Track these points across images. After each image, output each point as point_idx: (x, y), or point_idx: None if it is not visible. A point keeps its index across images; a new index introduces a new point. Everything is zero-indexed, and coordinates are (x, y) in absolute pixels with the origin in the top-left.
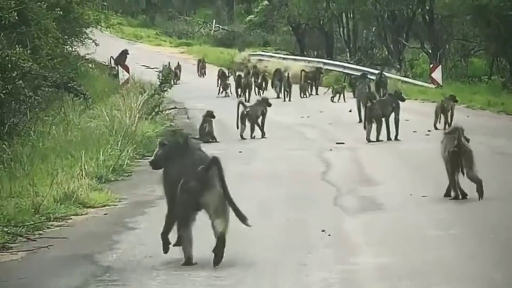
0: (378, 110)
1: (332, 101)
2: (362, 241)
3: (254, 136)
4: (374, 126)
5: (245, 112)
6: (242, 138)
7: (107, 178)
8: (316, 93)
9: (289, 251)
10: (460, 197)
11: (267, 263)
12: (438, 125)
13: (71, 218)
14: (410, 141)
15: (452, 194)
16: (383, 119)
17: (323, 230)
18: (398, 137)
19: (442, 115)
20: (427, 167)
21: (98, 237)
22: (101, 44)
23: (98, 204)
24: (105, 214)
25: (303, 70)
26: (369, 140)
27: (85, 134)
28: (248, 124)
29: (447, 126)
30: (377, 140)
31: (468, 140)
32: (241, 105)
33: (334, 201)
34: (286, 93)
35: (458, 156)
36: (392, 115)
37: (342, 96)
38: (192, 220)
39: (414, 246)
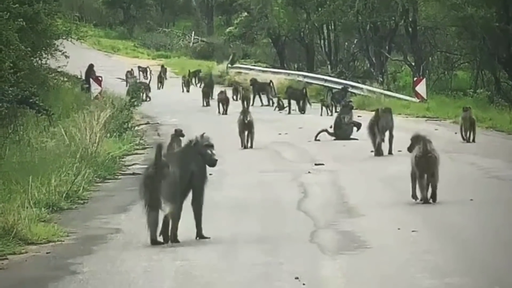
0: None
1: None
2: None
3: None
4: None
5: (245, 121)
6: (244, 147)
7: (59, 207)
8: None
9: None
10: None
11: None
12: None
13: (7, 258)
14: (395, 161)
15: (418, 196)
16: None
17: (297, 278)
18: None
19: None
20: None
21: (32, 286)
22: (77, 57)
23: (41, 240)
24: (47, 252)
25: (252, 78)
26: None
27: (41, 156)
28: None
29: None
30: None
31: (431, 146)
32: (241, 115)
33: (311, 237)
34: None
35: (424, 162)
36: None
37: (329, 109)
38: None
39: None
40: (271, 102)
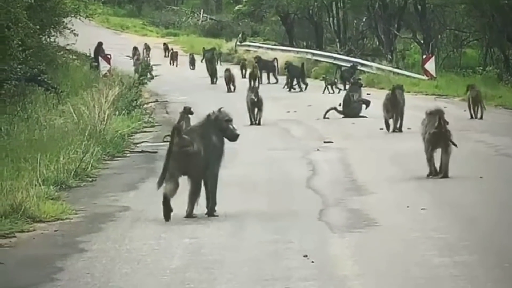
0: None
1: (323, 93)
2: (350, 270)
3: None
4: None
5: (255, 99)
6: (252, 123)
7: (68, 184)
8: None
9: (262, 285)
10: (432, 174)
11: None
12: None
13: (15, 236)
14: (404, 139)
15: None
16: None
17: (306, 256)
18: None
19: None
20: (425, 171)
21: (40, 263)
22: (86, 35)
23: (50, 218)
24: (55, 230)
25: (257, 56)
26: None
27: (49, 133)
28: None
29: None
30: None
31: (447, 123)
32: (250, 93)
33: (320, 215)
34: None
35: (437, 137)
36: None
37: (333, 88)
38: None
39: (415, 278)
40: (275, 79)
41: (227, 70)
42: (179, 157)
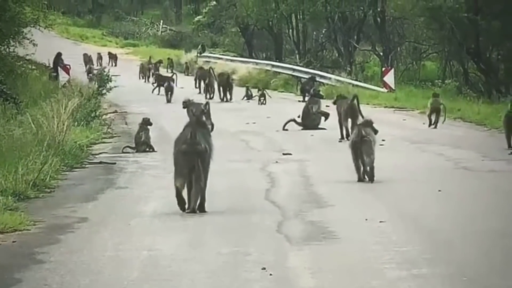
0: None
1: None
2: (309, 283)
3: None
4: None
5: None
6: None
7: (26, 195)
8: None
9: None
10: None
11: None
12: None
13: None
14: None
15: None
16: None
17: (264, 268)
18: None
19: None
20: (384, 184)
21: None
22: (45, 45)
23: (8, 229)
24: (13, 241)
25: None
26: None
27: (8, 144)
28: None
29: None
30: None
31: (376, 132)
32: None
33: (278, 227)
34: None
35: (359, 146)
36: None
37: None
38: None
39: None
40: (211, 89)
41: (168, 78)
42: (190, 154)
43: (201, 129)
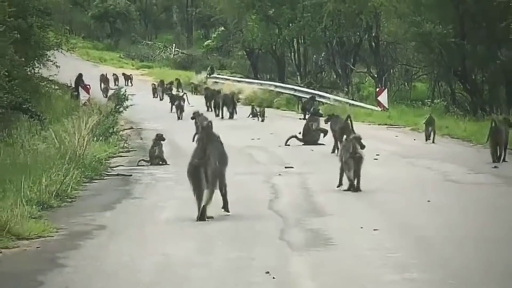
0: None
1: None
2: (309, 286)
3: None
4: None
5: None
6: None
7: (49, 205)
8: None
9: None
10: (352, 189)
11: None
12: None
13: (0, 252)
14: None
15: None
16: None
17: (267, 272)
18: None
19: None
20: (378, 194)
21: (22, 277)
22: (67, 67)
23: (32, 235)
24: (37, 247)
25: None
26: None
27: (33, 157)
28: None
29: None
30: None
31: (363, 147)
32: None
33: (281, 234)
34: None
35: (356, 159)
36: None
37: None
38: None
39: None
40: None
41: (179, 97)
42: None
43: (212, 141)
